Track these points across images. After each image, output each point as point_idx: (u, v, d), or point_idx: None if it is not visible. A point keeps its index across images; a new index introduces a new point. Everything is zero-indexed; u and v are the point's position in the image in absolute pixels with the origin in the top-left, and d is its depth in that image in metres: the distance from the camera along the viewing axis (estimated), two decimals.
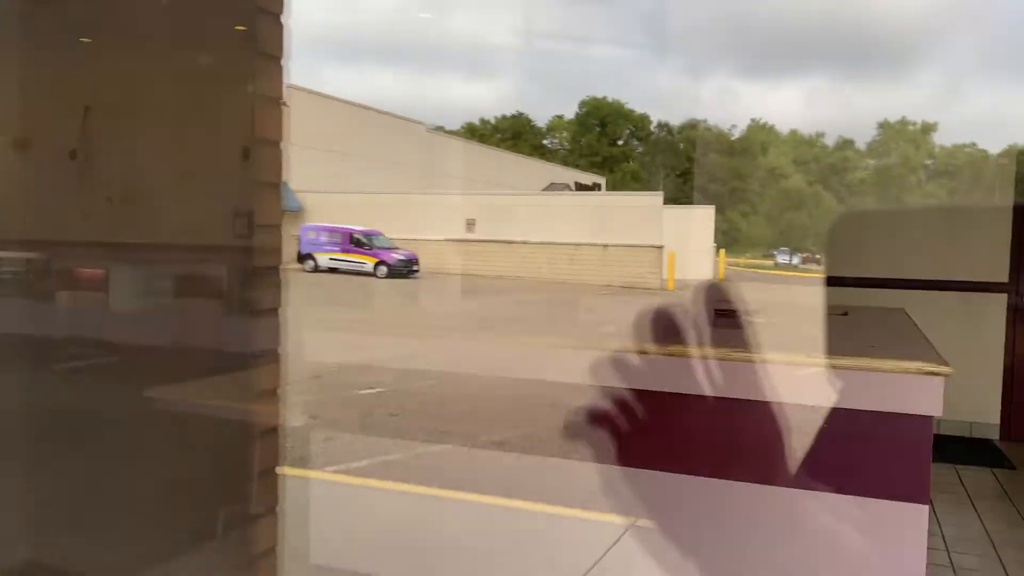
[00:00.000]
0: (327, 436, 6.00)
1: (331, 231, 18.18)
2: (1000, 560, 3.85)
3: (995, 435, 6.13)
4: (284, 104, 2.65)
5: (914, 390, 2.53)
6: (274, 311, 2.61)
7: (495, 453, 5.77)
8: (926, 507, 2.55)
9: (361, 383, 7.79)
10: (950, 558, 3.83)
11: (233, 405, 2.71)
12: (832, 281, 5.60)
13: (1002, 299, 6.08)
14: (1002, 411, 6.10)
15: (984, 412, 6.06)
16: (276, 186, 2.71)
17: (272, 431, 2.66)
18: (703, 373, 2.76)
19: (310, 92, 20.25)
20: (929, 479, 2.56)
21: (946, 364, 2.52)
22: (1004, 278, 6.09)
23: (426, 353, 9.64)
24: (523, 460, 5.68)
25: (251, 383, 2.60)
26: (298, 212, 18.87)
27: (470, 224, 19.33)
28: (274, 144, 2.61)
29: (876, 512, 2.58)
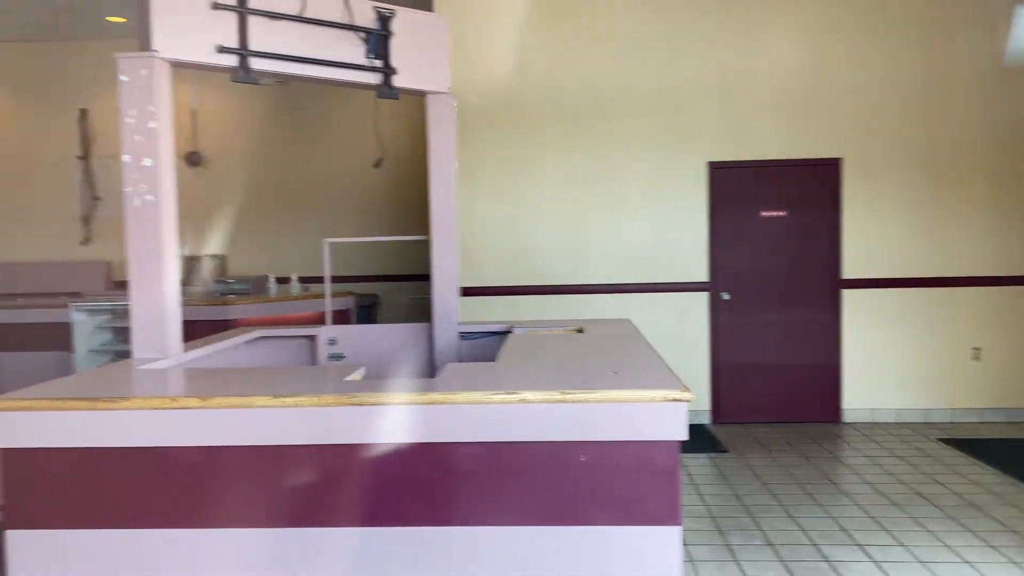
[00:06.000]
0: None
1: None
2: (726, 541, 4.21)
3: (707, 420, 6.79)
4: None
5: (662, 418, 2.63)
6: None
7: None
8: (679, 527, 2.68)
9: None
10: (684, 542, 4.13)
11: None
12: None
13: (704, 297, 6.75)
14: (711, 398, 6.77)
15: (697, 400, 6.69)
16: None
17: None
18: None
19: None
20: (679, 500, 2.69)
21: (687, 389, 2.66)
22: (705, 278, 6.76)
23: None
24: None
25: None
26: None
27: None
28: None
29: (631, 539, 2.67)
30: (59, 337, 6.59)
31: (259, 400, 2.64)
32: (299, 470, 2.68)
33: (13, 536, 2.69)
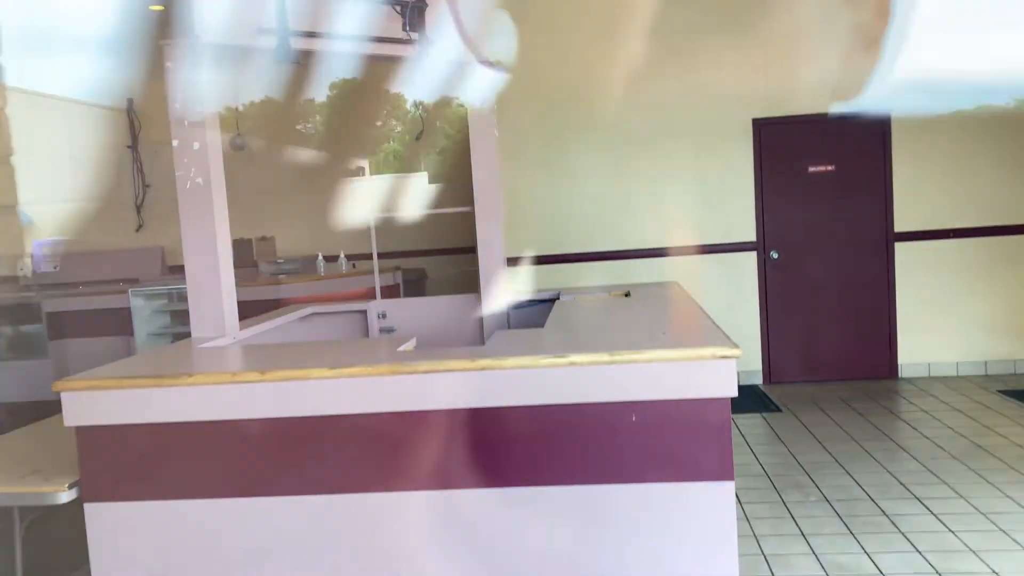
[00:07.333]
0: None
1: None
2: (782, 498, 4.20)
3: (759, 380, 6.74)
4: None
5: (711, 375, 2.64)
6: None
7: None
8: (731, 483, 2.69)
9: None
10: (739, 500, 4.14)
11: None
12: None
13: (752, 256, 6.67)
14: (763, 358, 6.72)
15: (749, 360, 6.64)
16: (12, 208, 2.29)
17: None
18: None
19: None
20: (731, 456, 2.69)
21: (736, 346, 2.65)
22: (753, 238, 6.68)
23: None
24: None
25: None
26: (29, 227, 16.70)
27: None
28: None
29: (685, 496, 2.69)
30: (119, 322, 6.82)
31: (316, 372, 2.71)
32: (356, 438, 2.75)
33: (91, 509, 2.81)
